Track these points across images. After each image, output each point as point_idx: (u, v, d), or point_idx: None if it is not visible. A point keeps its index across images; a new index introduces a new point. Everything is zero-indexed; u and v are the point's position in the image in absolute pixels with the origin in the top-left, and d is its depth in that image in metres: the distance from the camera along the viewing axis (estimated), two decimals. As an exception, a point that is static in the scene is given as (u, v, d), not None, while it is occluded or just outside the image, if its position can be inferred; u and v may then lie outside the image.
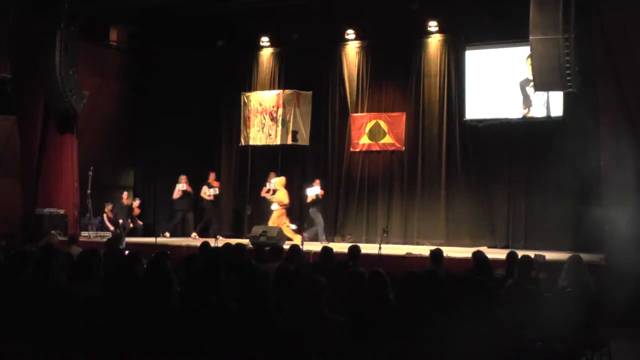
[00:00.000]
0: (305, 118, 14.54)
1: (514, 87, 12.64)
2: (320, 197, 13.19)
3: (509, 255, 7.29)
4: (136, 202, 15.05)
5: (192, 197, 14.18)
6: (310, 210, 13.17)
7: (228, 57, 15.13)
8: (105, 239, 12.45)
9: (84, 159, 13.73)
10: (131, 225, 14.79)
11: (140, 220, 15.11)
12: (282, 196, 13.08)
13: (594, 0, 9.23)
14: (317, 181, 13.37)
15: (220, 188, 14.30)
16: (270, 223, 12.82)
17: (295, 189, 14.06)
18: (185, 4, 12.75)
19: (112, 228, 14.29)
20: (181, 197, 14.01)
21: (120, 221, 14.59)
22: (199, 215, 14.38)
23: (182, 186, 13.95)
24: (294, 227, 13.16)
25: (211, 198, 14.01)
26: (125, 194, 14.90)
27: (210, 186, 14.02)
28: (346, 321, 3.98)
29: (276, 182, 13.34)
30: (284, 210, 13.12)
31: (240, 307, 4.10)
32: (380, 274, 4.55)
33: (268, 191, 13.58)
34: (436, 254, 7.64)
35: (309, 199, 13.21)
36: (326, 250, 7.75)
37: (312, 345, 3.83)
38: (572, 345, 5.43)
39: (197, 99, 15.36)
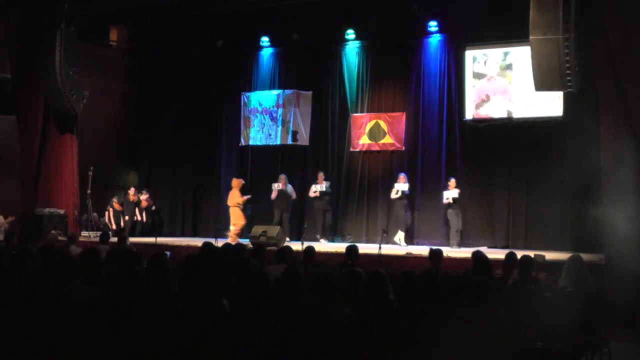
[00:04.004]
0: (305, 118, 14.54)
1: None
2: (458, 196, 12.38)
3: (507, 255, 7.28)
4: (144, 196, 14.97)
5: (288, 196, 13.61)
6: (448, 212, 12.50)
7: (228, 57, 15.14)
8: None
9: (84, 159, 13.73)
10: (144, 219, 14.81)
11: (151, 214, 15.04)
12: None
13: (594, 0, 9.22)
14: (452, 181, 12.52)
15: (327, 185, 13.51)
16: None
17: (297, 189, 14.01)
18: (185, 4, 12.73)
19: (114, 227, 14.25)
20: (277, 197, 13.53)
21: (127, 217, 14.54)
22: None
23: (277, 185, 13.51)
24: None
25: (317, 194, 13.44)
26: (132, 190, 14.85)
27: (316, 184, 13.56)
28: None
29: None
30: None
31: (241, 306, 4.10)
32: (380, 274, 4.54)
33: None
34: (435, 254, 7.62)
35: (444, 202, 12.56)
36: (309, 249, 7.85)
37: (328, 339, 3.82)
38: (572, 345, 5.43)
39: (197, 98, 15.35)
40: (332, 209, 13.70)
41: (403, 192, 12.95)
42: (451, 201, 12.42)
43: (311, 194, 13.56)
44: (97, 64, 14.94)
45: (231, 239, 12.52)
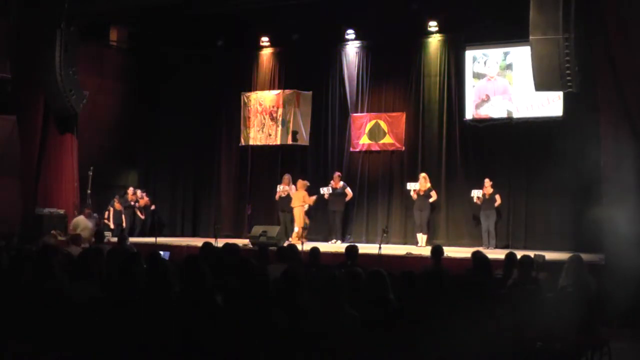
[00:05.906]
0: (305, 118, 14.55)
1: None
2: (488, 197, 12.07)
3: (507, 255, 7.28)
4: (139, 193, 14.90)
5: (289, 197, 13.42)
6: (480, 212, 12.27)
7: (228, 57, 15.15)
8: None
9: (84, 159, 13.73)
10: (142, 216, 14.74)
11: (151, 213, 14.94)
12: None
13: (593, 0, 9.22)
14: (485, 181, 12.20)
15: (335, 187, 13.26)
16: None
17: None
18: (185, 4, 12.73)
19: (112, 226, 14.22)
20: (281, 197, 13.40)
21: (127, 210, 14.50)
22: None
23: (279, 187, 13.45)
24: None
25: (326, 196, 13.32)
26: (130, 190, 14.81)
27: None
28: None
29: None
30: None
31: (241, 306, 4.09)
32: (380, 274, 4.54)
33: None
34: (436, 250, 7.62)
35: (475, 201, 12.28)
36: (314, 250, 7.83)
37: (328, 339, 3.82)
38: (572, 345, 5.42)
39: (197, 98, 15.36)
40: (341, 210, 13.40)
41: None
42: (475, 200, 12.21)
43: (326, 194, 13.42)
44: (97, 64, 14.95)
45: (295, 240, 12.05)
